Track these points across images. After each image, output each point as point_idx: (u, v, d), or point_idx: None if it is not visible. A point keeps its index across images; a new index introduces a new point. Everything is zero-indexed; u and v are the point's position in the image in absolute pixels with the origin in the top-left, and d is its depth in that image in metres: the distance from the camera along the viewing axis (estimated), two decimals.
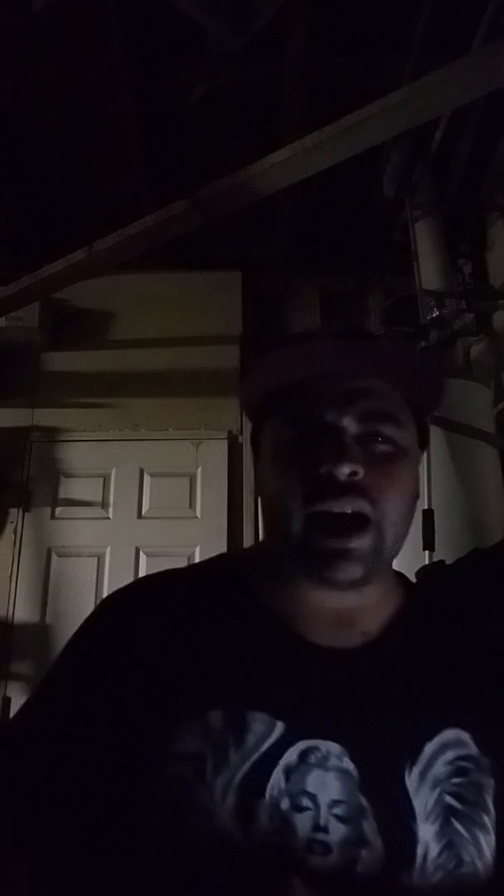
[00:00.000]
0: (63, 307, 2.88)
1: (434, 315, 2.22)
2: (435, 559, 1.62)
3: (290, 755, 0.51)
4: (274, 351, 0.62)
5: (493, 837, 0.53)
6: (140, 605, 0.62)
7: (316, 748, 0.52)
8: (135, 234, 1.96)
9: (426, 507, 1.73)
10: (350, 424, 0.57)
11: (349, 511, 0.54)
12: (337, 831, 0.49)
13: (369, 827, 0.50)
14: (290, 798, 0.50)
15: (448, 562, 1.49)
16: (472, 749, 0.55)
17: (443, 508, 1.74)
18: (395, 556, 0.59)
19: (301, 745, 0.52)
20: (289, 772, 0.51)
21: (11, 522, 2.66)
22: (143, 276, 2.89)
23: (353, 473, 0.54)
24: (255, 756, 0.51)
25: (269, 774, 0.51)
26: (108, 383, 2.81)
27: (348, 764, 0.51)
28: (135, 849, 0.51)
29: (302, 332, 0.65)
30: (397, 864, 0.49)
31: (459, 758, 0.54)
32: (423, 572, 1.41)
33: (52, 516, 2.68)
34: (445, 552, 1.59)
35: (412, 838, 0.50)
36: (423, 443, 0.64)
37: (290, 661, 0.56)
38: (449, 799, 0.52)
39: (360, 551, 0.54)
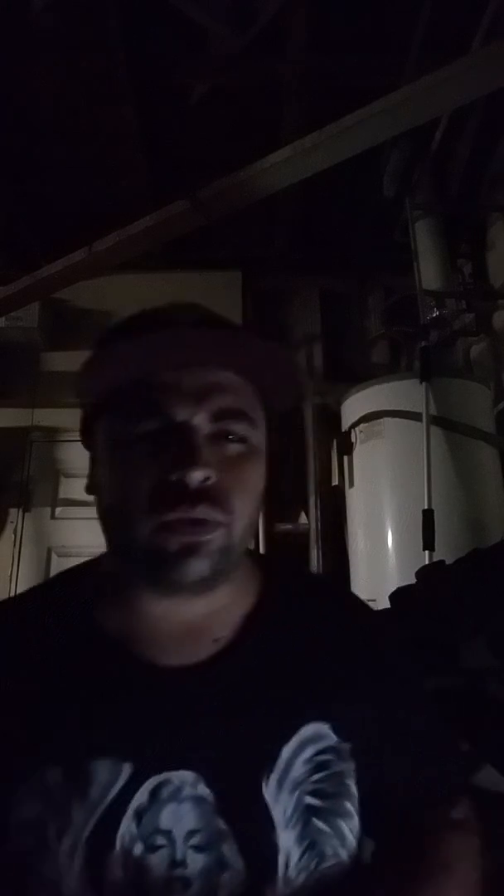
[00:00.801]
0: (63, 307, 2.88)
1: (434, 315, 2.22)
2: (435, 559, 1.63)
3: (141, 796, 0.48)
4: (118, 338, 0.56)
5: (356, 820, 0.53)
6: None
7: (168, 781, 0.49)
8: (135, 234, 1.96)
9: (426, 507, 1.74)
10: (202, 423, 0.52)
11: (201, 518, 0.50)
12: (196, 862, 0.47)
13: (229, 849, 0.48)
14: (142, 841, 0.47)
15: (448, 562, 1.49)
16: (332, 739, 0.54)
17: (443, 508, 1.74)
18: (241, 553, 0.55)
19: (151, 782, 0.49)
20: (140, 814, 0.48)
21: (11, 522, 2.66)
22: (143, 276, 2.89)
23: (206, 479, 0.50)
24: (101, 808, 0.47)
25: (118, 823, 0.47)
26: None
27: (203, 790, 0.49)
28: None
29: (148, 314, 0.58)
30: (259, 879, 0.48)
31: (318, 752, 0.53)
32: (422, 572, 1.41)
33: (52, 516, 2.68)
34: (445, 552, 1.60)
35: (273, 849, 0.49)
36: (272, 440, 0.59)
37: (134, 691, 0.52)
38: (309, 799, 0.51)
39: (210, 547, 0.50)
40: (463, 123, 2.20)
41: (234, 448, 0.53)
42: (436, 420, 1.86)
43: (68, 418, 2.76)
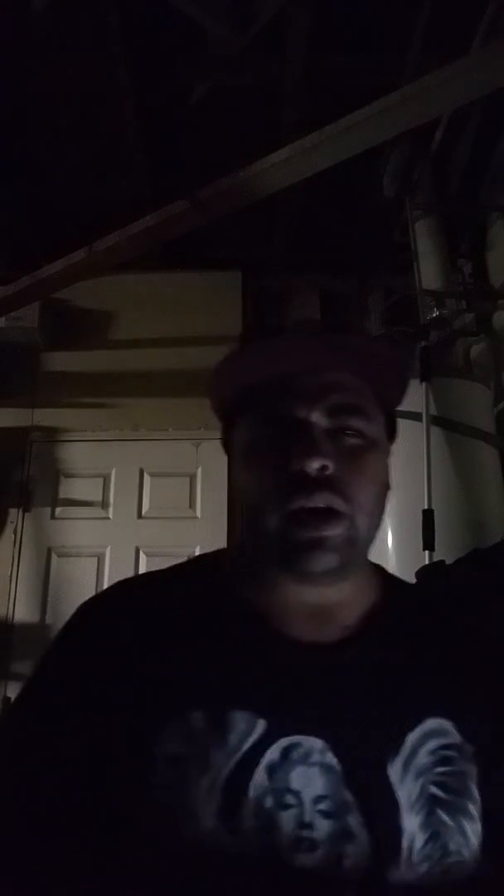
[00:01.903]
0: (63, 307, 2.88)
1: (434, 315, 2.22)
2: (435, 559, 1.63)
3: (273, 753, 0.51)
4: (241, 349, 0.62)
5: (479, 825, 0.53)
6: (119, 607, 0.62)
7: (298, 744, 0.52)
8: (135, 234, 1.96)
9: (426, 507, 1.74)
10: (319, 419, 0.56)
11: (322, 506, 0.54)
12: (322, 827, 0.49)
13: (354, 821, 0.50)
14: (273, 796, 0.50)
15: (448, 562, 1.49)
16: (456, 737, 0.55)
17: (443, 508, 1.74)
18: (368, 547, 0.59)
19: (283, 742, 0.52)
20: (272, 770, 0.51)
21: (11, 522, 2.66)
22: (143, 276, 2.89)
23: (324, 468, 0.54)
24: (238, 755, 0.51)
25: (252, 773, 0.50)
26: (108, 383, 2.82)
27: (331, 759, 0.51)
28: (125, 851, 0.51)
29: (267, 328, 0.63)
30: (384, 856, 0.49)
31: (442, 747, 0.54)
32: (423, 572, 1.42)
33: (52, 516, 2.68)
34: (445, 552, 1.60)
35: (398, 830, 0.50)
36: (392, 435, 0.65)
37: (271, 657, 0.56)
38: (433, 789, 0.52)
39: (334, 541, 0.54)
40: (463, 123, 2.20)
41: (351, 441, 0.57)
42: (436, 420, 1.86)
43: (68, 418, 2.77)
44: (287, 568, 0.56)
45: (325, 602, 0.59)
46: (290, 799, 0.50)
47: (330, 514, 0.54)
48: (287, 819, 0.49)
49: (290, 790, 0.50)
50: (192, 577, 0.65)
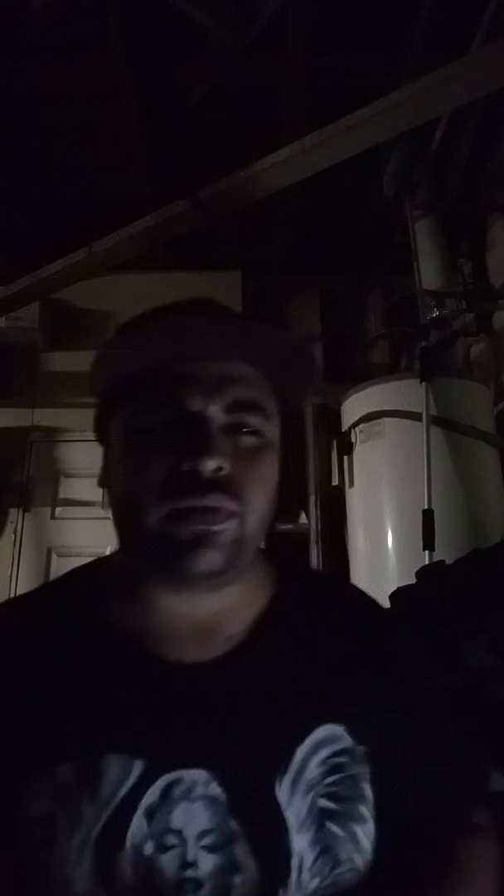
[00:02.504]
0: (63, 307, 2.88)
1: (434, 315, 2.22)
2: (435, 559, 1.62)
3: (152, 794, 0.47)
4: (132, 328, 0.56)
5: (371, 825, 0.52)
6: None
7: (179, 780, 0.48)
8: (135, 234, 1.96)
9: (426, 507, 1.74)
10: (216, 414, 0.52)
11: (213, 506, 0.50)
12: (207, 863, 0.46)
13: (241, 850, 0.47)
14: (153, 840, 0.46)
15: (448, 562, 1.49)
16: (347, 741, 0.53)
17: (443, 508, 1.74)
18: (254, 548, 0.55)
19: (163, 780, 0.48)
20: (151, 813, 0.47)
21: (11, 522, 2.66)
22: (143, 276, 2.89)
23: (219, 469, 0.50)
24: (112, 806, 0.47)
25: (129, 821, 0.47)
26: None
27: (215, 789, 0.48)
28: None
29: (162, 308, 0.58)
30: (272, 882, 0.47)
31: (333, 754, 0.52)
32: (422, 572, 1.41)
33: (52, 516, 2.68)
34: (445, 552, 1.59)
35: (286, 852, 0.48)
36: (287, 433, 0.59)
37: (147, 688, 0.52)
38: (323, 801, 0.50)
39: (220, 538, 0.50)
40: (463, 123, 2.20)
41: (248, 440, 0.53)
42: (436, 420, 1.86)
43: (68, 418, 2.77)
44: (165, 569, 0.51)
45: (207, 612, 0.55)
46: (171, 840, 0.47)
47: (219, 511, 0.50)
48: (169, 862, 0.46)
49: (171, 830, 0.47)
50: (58, 602, 0.59)
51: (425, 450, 1.79)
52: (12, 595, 2.52)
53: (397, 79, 1.80)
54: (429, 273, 2.32)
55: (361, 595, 0.68)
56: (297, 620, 0.59)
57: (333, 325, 3.03)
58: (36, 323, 2.73)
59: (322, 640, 0.59)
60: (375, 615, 0.66)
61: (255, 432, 0.54)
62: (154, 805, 0.47)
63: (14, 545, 2.62)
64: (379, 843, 0.52)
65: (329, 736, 0.53)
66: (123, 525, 0.55)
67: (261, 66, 2.05)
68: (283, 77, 2.05)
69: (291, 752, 0.51)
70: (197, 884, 0.46)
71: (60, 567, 2.59)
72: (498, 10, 1.75)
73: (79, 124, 2.30)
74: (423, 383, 1.88)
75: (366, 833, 0.52)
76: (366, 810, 0.52)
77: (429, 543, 1.68)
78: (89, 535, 2.62)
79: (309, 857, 0.48)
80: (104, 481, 0.58)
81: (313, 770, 0.51)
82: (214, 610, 0.55)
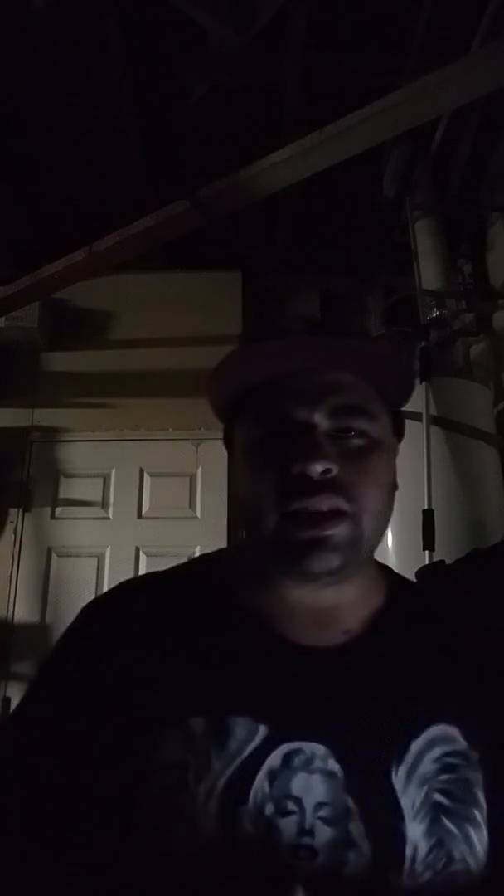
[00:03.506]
0: (63, 307, 2.88)
1: (434, 315, 2.22)
2: (435, 559, 1.63)
3: (274, 759, 0.50)
4: (240, 348, 0.61)
5: (484, 832, 0.52)
6: (121, 611, 0.62)
7: (300, 750, 0.51)
8: (135, 234, 1.96)
9: (426, 507, 1.74)
10: (321, 420, 0.56)
11: (325, 509, 0.53)
12: (323, 834, 0.48)
13: (356, 828, 0.49)
14: (274, 803, 0.49)
15: (448, 562, 1.49)
16: (461, 744, 0.54)
17: (443, 508, 1.74)
18: (373, 549, 0.59)
19: (284, 748, 0.51)
20: (272, 776, 0.50)
21: (11, 522, 2.66)
22: (143, 276, 2.89)
23: (327, 471, 0.53)
24: (238, 762, 0.50)
25: (253, 779, 0.50)
26: (108, 383, 2.81)
27: (333, 765, 0.50)
28: (122, 857, 0.50)
29: (267, 327, 0.64)
30: (385, 865, 0.48)
31: (447, 754, 0.53)
32: (423, 572, 1.42)
33: (52, 516, 2.68)
34: (445, 552, 1.60)
35: (400, 838, 0.49)
36: (399, 433, 0.63)
37: (272, 662, 0.56)
38: (437, 796, 0.51)
39: (336, 540, 0.53)
40: (463, 123, 2.20)
41: (354, 442, 0.56)
42: (436, 420, 1.86)
43: (68, 418, 2.77)
44: (285, 568, 0.56)
45: (325, 604, 0.58)
46: (290, 805, 0.49)
47: (333, 514, 0.54)
48: (287, 826, 0.48)
49: (290, 797, 0.49)
50: (193, 579, 0.64)
51: (425, 450, 1.79)
52: (12, 595, 2.53)
53: (397, 79, 1.80)
54: (429, 273, 2.32)
55: (463, 604, 0.72)
56: (412, 621, 0.62)
57: (333, 326, 3.03)
58: (36, 323, 2.73)
59: (435, 645, 0.61)
60: (491, 626, 0.68)
61: (361, 434, 0.57)
62: (276, 769, 0.50)
63: (14, 545, 2.62)
64: (492, 855, 0.52)
65: (443, 735, 0.54)
66: (247, 527, 0.60)
67: (261, 67, 2.05)
68: (283, 77, 2.05)
69: (407, 744, 0.53)
70: (312, 852, 0.48)
71: (60, 567, 2.59)
72: (498, 10, 1.75)
73: (79, 124, 2.30)
74: (423, 383, 1.88)
75: (480, 839, 0.52)
76: (479, 816, 0.53)
77: (429, 543, 1.68)
78: (89, 535, 2.62)
79: (423, 848, 0.49)
80: (233, 488, 0.63)
81: (428, 765, 0.52)
82: (333, 603, 0.58)
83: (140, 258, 2.13)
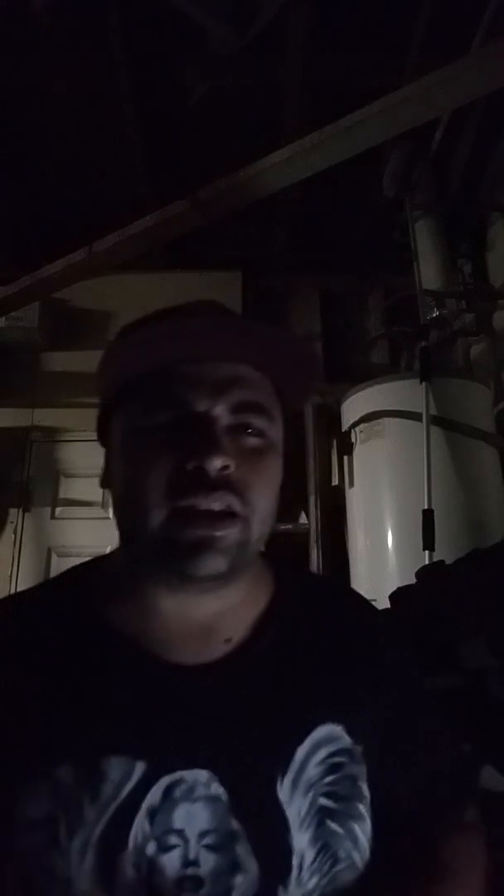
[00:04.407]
0: (63, 307, 2.88)
1: (434, 315, 2.22)
2: (435, 559, 1.63)
3: (154, 795, 0.47)
4: (136, 329, 0.57)
5: (368, 823, 0.53)
6: None
7: (181, 780, 0.48)
8: (135, 234, 1.96)
9: (426, 507, 1.74)
10: (222, 414, 0.52)
11: (217, 508, 0.50)
12: (208, 862, 0.46)
13: (242, 850, 0.47)
14: (156, 840, 0.46)
15: (448, 562, 1.49)
16: (345, 741, 0.53)
17: (443, 508, 1.74)
18: (257, 551, 0.55)
19: (164, 781, 0.48)
20: (153, 813, 0.47)
21: (11, 522, 2.66)
22: (143, 276, 2.89)
23: (225, 468, 0.50)
24: (114, 806, 0.47)
25: (132, 822, 0.46)
26: None
27: (217, 789, 0.48)
28: None
29: (166, 310, 0.59)
30: (272, 880, 0.47)
31: (332, 754, 0.53)
32: (422, 572, 1.41)
33: (52, 516, 2.68)
34: (445, 552, 1.59)
35: (287, 850, 0.48)
36: (286, 436, 0.59)
37: (146, 689, 0.51)
38: (322, 800, 0.51)
39: (226, 542, 0.50)
40: (463, 123, 2.20)
41: (252, 441, 0.53)
42: (436, 420, 1.86)
43: (68, 418, 2.77)
44: (168, 570, 0.51)
45: (204, 613, 0.55)
46: (173, 840, 0.47)
47: (225, 514, 0.50)
48: (171, 861, 0.46)
49: (173, 830, 0.47)
50: (57, 598, 0.59)
51: (425, 450, 1.79)
52: (16, 592, 2.53)
53: (397, 79, 1.80)
54: (429, 273, 2.32)
55: (357, 597, 0.69)
56: (296, 622, 0.59)
57: (333, 325, 3.03)
58: (36, 323, 2.73)
59: (320, 642, 0.59)
60: (371, 617, 0.67)
61: (259, 434, 0.54)
62: (156, 805, 0.47)
63: (14, 545, 2.62)
64: (374, 840, 0.53)
65: (328, 736, 0.53)
66: (125, 525, 0.55)
67: (261, 66, 2.06)
68: (283, 77, 2.05)
69: (292, 752, 0.51)
70: (198, 882, 0.46)
71: (60, 567, 2.56)
72: (498, 10, 1.75)
73: (79, 125, 2.30)
74: (423, 383, 1.88)
75: (364, 831, 0.52)
76: (363, 808, 0.53)
77: (429, 543, 1.68)
78: (89, 535, 2.62)
79: (309, 855, 0.49)
80: (106, 482, 0.58)
81: (313, 769, 0.51)
82: (214, 611, 0.55)
83: (140, 258, 2.13)
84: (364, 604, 0.68)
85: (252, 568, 0.57)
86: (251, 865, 0.47)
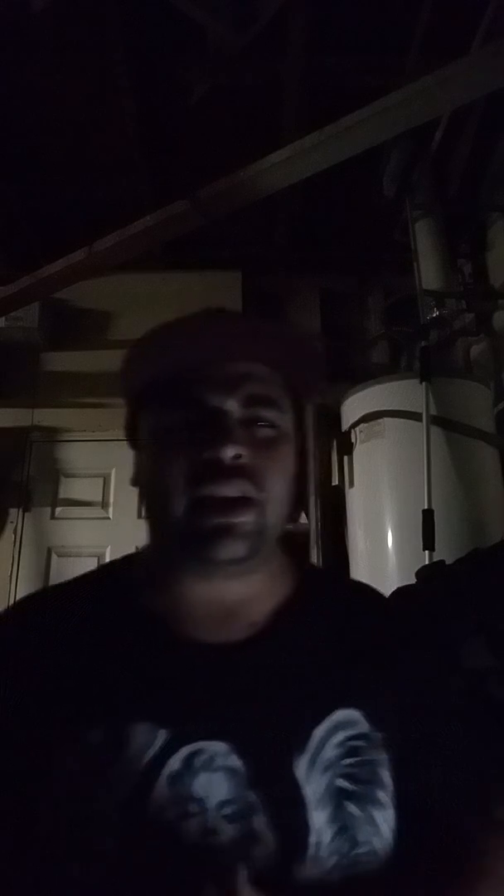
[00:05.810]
0: (63, 307, 2.88)
1: (434, 315, 2.22)
2: (435, 559, 1.62)
3: (174, 763, 0.50)
4: (153, 336, 0.61)
5: (391, 811, 0.53)
6: (24, 623, 0.61)
7: (201, 751, 0.51)
8: (135, 234, 1.96)
9: (426, 507, 1.74)
10: (234, 408, 0.56)
11: (234, 495, 0.54)
12: (227, 832, 0.49)
13: (260, 822, 0.49)
14: (175, 807, 0.49)
15: (448, 562, 1.49)
16: (364, 727, 0.55)
17: (443, 508, 1.74)
18: (276, 537, 0.59)
19: (185, 750, 0.51)
20: (173, 780, 0.50)
21: (11, 522, 2.66)
22: (143, 276, 2.89)
23: (238, 456, 0.54)
24: (138, 770, 0.50)
25: (153, 786, 0.49)
26: (108, 383, 2.80)
27: (235, 761, 0.51)
28: (33, 856, 0.50)
29: (179, 319, 0.64)
30: (290, 855, 0.49)
31: (350, 738, 0.54)
32: (422, 572, 1.41)
33: (52, 516, 2.68)
34: (445, 552, 1.59)
35: (304, 827, 0.50)
36: (301, 428, 0.63)
37: (172, 663, 0.55)
38: (341, 782, 0.52)
39: (244, 528, 0.54)
40: (463, 123, 2.20)
41: (264, 432, 0.57)
42: (436, 420, 1.86)
43: (68, 418, 2.77)
44: (192, 555, 0.56)
45: (231, 598, 0.59)
46: (192, 807, 0.49)
47: (241, 502, 0.54)
48: (190, 828, 0.48)
49: (192, 798, 0.49)
50: (96, 587, 0.64)
51: (425, 450, 1.79)
52: (12, 595, 2.53)
53: (397, 79, 1.80)
54: (429, 273, 2.32)
55: (378, 596, 0.71)
56: (318, 611, 0.62)
57: (333, 326, 3.03)
58: (36, 323, 2.73)
59: (339, 631, 0.61)
60: (387, 610, 0.69)
61: (270, 425, 0.58)
62: (176, 773, 0.50)
63: (14, 545, 2.62)
64: (400, 833, 0.54)
65: (347, 719, 0.55)
66: (153, 517, 0.60)
67: (261, 66, 2.05)
68: (283, 77, 2.05)
69: (309, 732, 0.53)
70: (217, 851, 0.48)
71: (60, 567, 2.59)
72: (498, 10, 1.75)
73: (79, 124, 2.30)
74: (423, 383, 1.87)
75: (385, 819, 0.53)
76: (384, 796, 0.54)
77: (429, 543, 1.68)
78: (89, 535, 2.62)
79: (327, 835, 0.50)
80: (137, 480, 0.62)
81: (331, 751, 0.53)
82: (239, 597, 0.59)
83: (140, 258, 2.13)
84: (384, 601, 0.71)
85: (274, 558, 0.62)
86: (268, 838, 0.49)
